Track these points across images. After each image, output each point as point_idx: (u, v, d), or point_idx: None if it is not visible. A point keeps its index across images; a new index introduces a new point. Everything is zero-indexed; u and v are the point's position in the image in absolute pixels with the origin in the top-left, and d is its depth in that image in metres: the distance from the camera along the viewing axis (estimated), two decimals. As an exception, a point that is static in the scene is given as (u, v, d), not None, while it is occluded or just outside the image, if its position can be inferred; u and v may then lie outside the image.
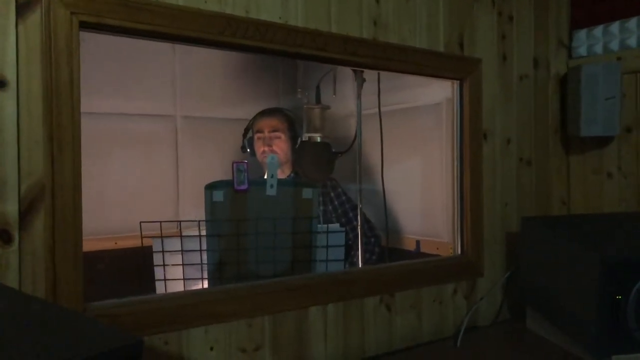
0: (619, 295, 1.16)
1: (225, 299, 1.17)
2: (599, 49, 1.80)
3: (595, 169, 1.81)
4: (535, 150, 1.78)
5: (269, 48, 1.22)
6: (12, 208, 0.93)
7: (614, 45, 1.76)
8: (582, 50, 1.84)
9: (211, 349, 1.14)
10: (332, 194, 2.29)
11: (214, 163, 2.63)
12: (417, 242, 2.25)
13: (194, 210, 2.38)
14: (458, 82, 1.60)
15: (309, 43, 1.25)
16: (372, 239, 2.27)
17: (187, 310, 1.11)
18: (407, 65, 1.47)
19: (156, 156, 2.63)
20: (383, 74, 1.81)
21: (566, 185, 1.87)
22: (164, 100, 2.69)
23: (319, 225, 1.50)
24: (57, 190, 0.96)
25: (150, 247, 1.47)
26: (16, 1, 0.93)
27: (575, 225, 1.51)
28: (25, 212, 0.94)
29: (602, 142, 1.78)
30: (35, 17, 0.94)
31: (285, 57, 1.32)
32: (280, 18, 1.23)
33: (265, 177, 1.60)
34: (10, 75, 0.93)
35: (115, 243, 2.34)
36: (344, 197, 2.30)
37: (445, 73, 1.55)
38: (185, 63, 2.63)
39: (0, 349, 0.57)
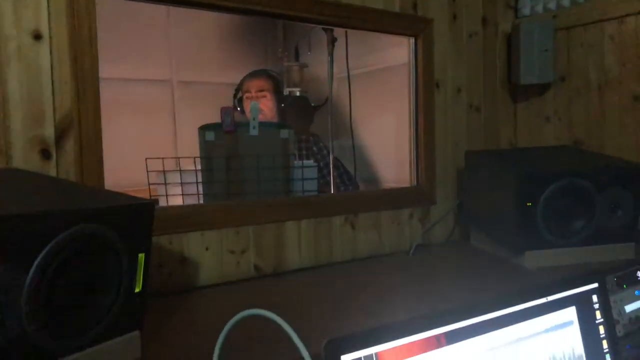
0: (529, 203, 1.46)
1: (217, 211, 1.47)
2: (540, 9, 2.06)
3: (537, 113, 2.09)
4: (484, 98, 2.06)
5: (245, 8, 1.49)
6: (49, 133, 1.22)
7: (552, 5, 2.02)
8: (526, 11, 2.10)
9: (206, 249, 1.43)
10: (314, 148, 2.57)
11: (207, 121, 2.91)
12: (393, 189, 2.53)
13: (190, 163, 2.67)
14: (413, 39, 1.87)
15: (280, 3, 1.52)
16: (350, 187, 2.57)
17: (187, 218, 1.41)
18: (367, 24, 1.74)
19: (156, 117, 2.91)
20: (359, 39, 2.06)
21: (513, 128, 2.16)
22: (161, 66, 2.96)
23: (295, 162, 1.80)
24: (82, 119, 1.25)
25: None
26: (47, -28, 1.20)
27: (505, 155, 1.80)
28: (59, 136, 1.23)
29: (542, 89, 2.06)
30: (61, -15, 1.22)
31: (260, 16, 1.59)
32: (256, -16, 1.49)
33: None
34: (44, 30, 1.20)
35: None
36: (325, 151, 2.58)
37: (400, 30, 1.83)
38: (179, 30, 2.88)
39: (49, 204, 0.86)
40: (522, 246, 1.50)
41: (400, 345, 0.82)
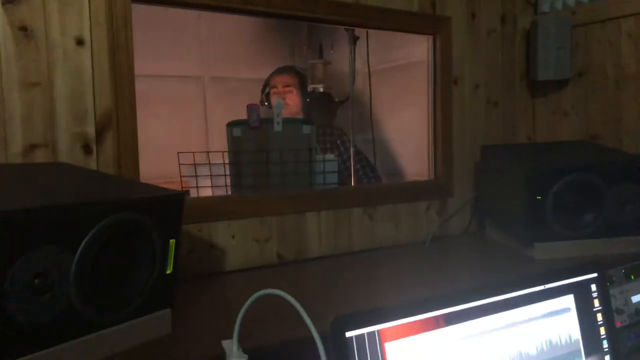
0: (539, 197, 1.52)
1: (243, 202, 1.58)
2: (559, 5, 2.10)
3: (555, 108, 2.13)
4: (502, 94, 2.11)
5: (272, 12, 1.59)
6: (90, 130, 1.34)
7: (571, 1, 2.06)
8: (546, 7, 2.14)
9: (232, 237, 1.55)
10: (338, 142, 2.66)
11: (237, 116, 3.03)
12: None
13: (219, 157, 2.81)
14: (432, 37, 1.94)
15: (303, 7, 1.61)
16: (373, 179, 2.65)
17: (215, 208, 1.52)
18: (386, 24, 1.82)
19: (188, 112, 3.04)
20: (381, 35, 2.12)
21: (532, 123, 2.20)
22: (193, 63, 3.08)
23: (316, 156, 1.89)
24: (120, 117, 1.37)
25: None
26: (88, -17, 1.32)
27: (519, 150, 1.86)
28: (99, 133, 1.35)
29: (560, 85, 2.10)
30: (101, -5, 1.34)
31: (284, 19, 1.68)
32: (279, -12, 1.59)
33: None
34: (86, 37, 1.33)
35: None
36: (348, 144, 2.67)
37: (419, 29, 1.90)
38: (210, 29, 3.00)
39: (93, 194, 0.98)
40: (532, 238, 1.56)
41: (402, 324, 0.91)
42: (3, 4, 1.22)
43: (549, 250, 1.56)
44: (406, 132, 2.62)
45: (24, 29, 1.25)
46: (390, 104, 2.71)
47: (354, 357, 0.86)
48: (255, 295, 0.87)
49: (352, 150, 2.10)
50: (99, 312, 0.89)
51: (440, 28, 1.91)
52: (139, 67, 1.43)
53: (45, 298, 0.82)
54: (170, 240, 1.01)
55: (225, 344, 0.91)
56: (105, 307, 0.91)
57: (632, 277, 1.52)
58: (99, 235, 0.87)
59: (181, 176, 1.82)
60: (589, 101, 2.02)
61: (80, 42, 1.32)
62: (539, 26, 2.01)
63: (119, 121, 1.37)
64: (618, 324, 1.43)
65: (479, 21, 2.03)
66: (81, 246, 0.85)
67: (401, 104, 2.61)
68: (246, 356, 0.88)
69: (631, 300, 1.48)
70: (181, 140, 2.91)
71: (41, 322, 0.82)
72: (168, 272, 1.02)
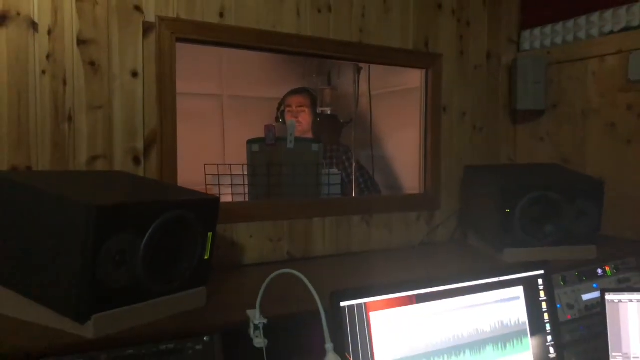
0: (508, 210, 1.81)
1: (259, 208, 1.89)
2: (537, 44, 2.41)
3: (533, 134, 2.43)
4: (487, 121, 2.42)
5: (287, 50, 1.91)
6: (140, 145, 1.66)
7: (547, 42, 2.37)
8: (527, 46, 2.45)
9: (250, 237, 1.85)
10: (343, 157, 2.97)
11: (253, 133, 3.35)
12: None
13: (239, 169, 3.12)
14: (424, 70, 2.25)
15: (313, 46, 1.93)
16: (373, 191, 2.95)
17: (236, 212, 1.83)
18: (385, 60, 2.14)
19: (208, 127, 3.36)
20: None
21: (513, 147, 2.50)
22: (213, 82, 3.42)
23: (322, 170, 2.20)
24: (164, 135, 1.68)
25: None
26: (143, 28, 1.64)
27: (495, 170, 2.15)
28: (147, 147, 1.67)
29: (538, 114, 2.40)
30: (152, 35, 1.66)
31: (296, 55, 2.00)
32: (296, 30, 1.91)
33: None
34: (139, 70, 1.65)
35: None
36: (352, 160, 2.98)
37: (414, 64, 2.21)
38: (229, 52, 3.32)
39: (154, 196, 1.29)
40: (502, 245, 1.86)
41: (383, 300, 1.21)
42: (78, 44, 1.54)
43: (516, 255, 1.85)
44: (404, 150, 2.92)
45: (92, 64, 1.57)
46: (391, 124, 3.02)
47: (346, 321, 1.16)
48: (276, 272, 1.17)
49: (354, 165, 2.41)
50: (156, 284, 1.20)
51: (432, 63, 2.23)
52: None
53: (122, 270, 1.12)
54: (209, 233, 1.31)
55: (250, 312, 1.21)
56: (161, 280, 1.21)
57: (584, 278, 1.81)
58: (161, 226, 1.18)
59: (206, 184, 2.13)
60: (560, 129, 2.32)
61: (134, 74, 1.64)
62: (518, 63, 2.32)
63: (162, 139, 1.69)
64: (569, 317, 1.72)
65: (466, 57, 2.34)
66: (147, 234, 1.16)
67: (400, 124, 2.92)
68: (266, 319, 1.18)
69: (582, 298, 1.77)
70: (202, 152, 3.23)
71: (118, 286, 1.12)
72: (206, 257, 1.32)
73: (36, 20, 1.49)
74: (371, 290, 1.21)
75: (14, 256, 1.17)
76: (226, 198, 2.17)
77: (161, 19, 1.66)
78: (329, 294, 1.17)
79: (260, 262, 1.86)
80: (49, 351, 1.04)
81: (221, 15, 1.77)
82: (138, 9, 1.63)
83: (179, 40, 1.70)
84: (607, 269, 1.87)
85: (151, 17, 1.65)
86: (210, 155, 3.34)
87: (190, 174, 2.24)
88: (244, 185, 2.14)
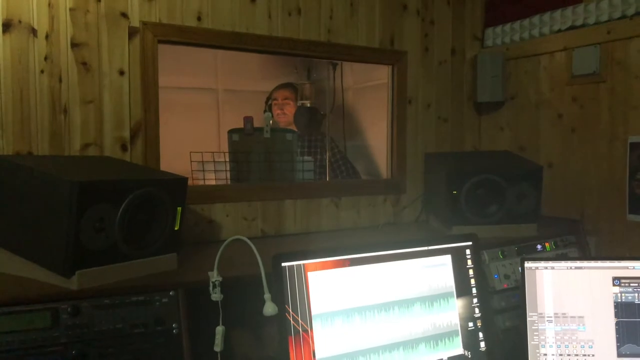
0: (454, 191, 2.03)
1: (236, 190, 2.12)
2: (499, 41, 2.61)
3: (495, 124, 2.63)
4: (452, 112, 2.62)
5: (260, 49, 2.13)
6: (126, 134, 1.90)
7: (507, 39, 2.56)
8: (489, 42, 2.65)
9: (227, 215, 2.09)
10: (326, 146, 3.20)
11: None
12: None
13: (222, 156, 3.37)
14: (391, 66, 2.46)
15: (284, 46, 2.16)
16: (353, 176, 3.17)
17: (214, 193, 2.07)
18: (353, 57, 2.36)
19: (204, 118, 3.61)
20: None
21: (478, 136, 2.71)
22: (209, 77, 3.66)
23: (297, 157, 2.43)
24: (147, 126, 1.93)
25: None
26: (128, 32, 1.88)
27: (450, 157, 2.36)
28: (133, 136, 1.91)
29: (498, 105, 2.60)
30: (137, 39, 1.90)
31: (271, 54, 2.22)
32: (267, 32, 2.13)
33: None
34: (126, 68, 1.89)
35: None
36: (336, 150, 3.20)
37: (380, 61, 2.43)
38: (225, 52, 3.56)
39: (130, 175, 1.53)
40: (451, 222, 2.07)
41: (320, 262, 1.44)
42: (72, 47, 1.79)
43: (463, 232, 2.06)
44: (382, 140, 3.14)
45: (84, 63, 1.82)
46: (372, 116, 3.24)
47: (287, 279, 1.39)
48: (230, 238, 1.41)
49: (328, 154, 2.64)
50: (131, 248, 1.44)
51: (397, 60, 2.44)
52: (164, 81, 1.96)
53: (101, 235, 1.37)
54: (178, 207, 1.56)
55: (210, 273, 1.45)
56: (136, 245, 1.46)
57: (523, 253, 2.02)
58: (134, 199, 1.42)
59: (192, 170, 2.38)
60: (518, 119, 2.52)
61: (121, 72, 1.88)
62: (478, 58, 2.52)
63: (146, 129, 1.93)
64: (505, 286, 1.93)
65: (431, 54, 2.55)
66: (122, 205, 1.40)
67: (378, 117, 3.14)
68: (221, 278, 1.42)
69: (518, 270, 1.98)
70: (197, 143, 3.47)
71: (98, 249, 1.37)
72: (176, 228, 1.56)
73: (35, 26, 1.74)
74: (310, 253, 1.44)
75: (13, 223, 1.43)
76: (210, 183, 2.42)
77: (144, 24, 1.90)
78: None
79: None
80: (41, 298, 1.29)
81: (199, 19, 2.00)
82: (124, 15, 1.87)
83: (160, 42, 1.94)
84: (547, 245, 2.09)
85: (136, 22, 1.89)
86: (206, 145, 3.60)
87: (186, 162, 2.49)
88: (225, 171, 2.38)
